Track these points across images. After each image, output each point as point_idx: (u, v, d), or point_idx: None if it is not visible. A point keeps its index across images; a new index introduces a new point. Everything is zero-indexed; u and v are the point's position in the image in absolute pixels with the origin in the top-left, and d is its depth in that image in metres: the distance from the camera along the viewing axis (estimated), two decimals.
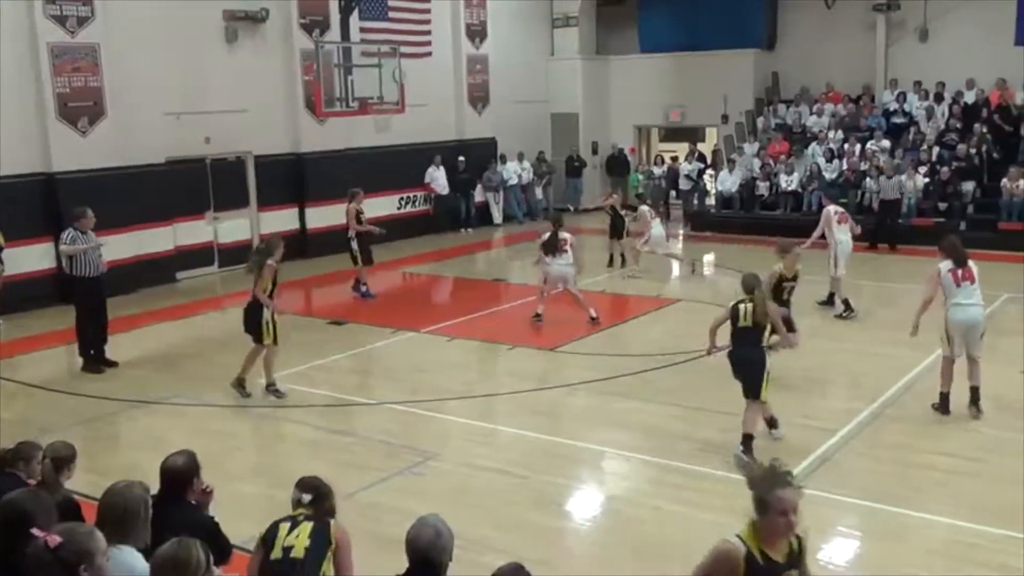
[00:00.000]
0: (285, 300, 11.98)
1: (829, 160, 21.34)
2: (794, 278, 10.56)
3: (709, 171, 23.84)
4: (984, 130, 20.38)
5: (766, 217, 21.28)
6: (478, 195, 23.34)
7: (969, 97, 21.67)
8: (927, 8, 22.61)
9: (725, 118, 24.90)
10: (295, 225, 19.10)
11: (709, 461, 7.95)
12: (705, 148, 25.33)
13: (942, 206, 19.36)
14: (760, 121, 24.14)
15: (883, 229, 18.88)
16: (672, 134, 28.33)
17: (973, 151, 19.91)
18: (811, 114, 23.47)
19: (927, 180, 19.67)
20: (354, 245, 14.86)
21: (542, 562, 5.54)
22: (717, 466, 7.79)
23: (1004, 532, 6.60)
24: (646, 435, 8.78)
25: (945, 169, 19.50)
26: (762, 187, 21.56)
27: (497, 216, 23.71)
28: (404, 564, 3.88)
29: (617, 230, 17.54)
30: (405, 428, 9.24)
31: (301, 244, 18.52)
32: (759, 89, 25.08)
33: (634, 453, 8.36)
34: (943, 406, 9.05)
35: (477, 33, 23.42)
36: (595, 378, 10.49)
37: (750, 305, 8.05)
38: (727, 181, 22.15)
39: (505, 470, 7.98)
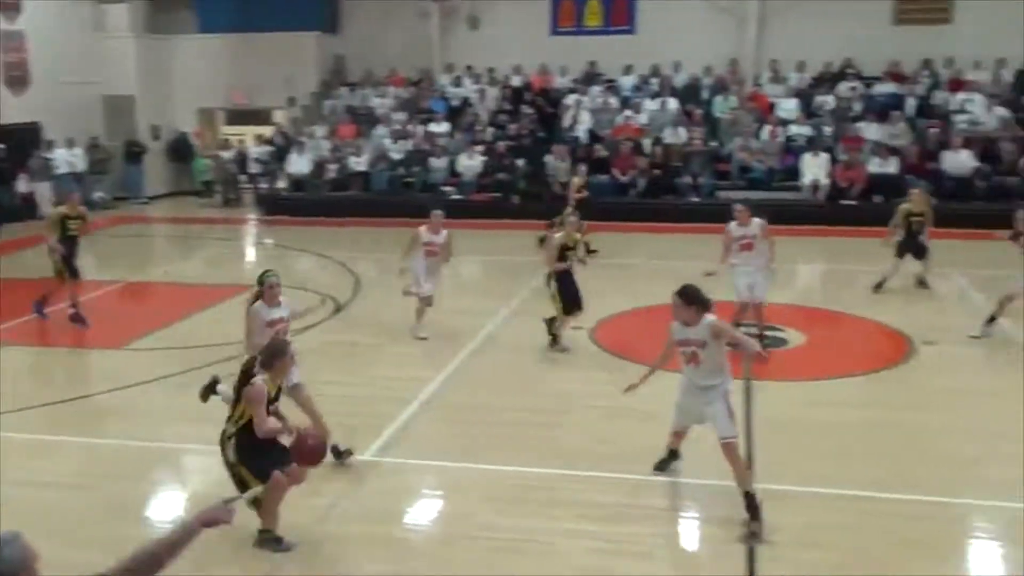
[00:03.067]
0: None
1: (395, 141, 22.11)
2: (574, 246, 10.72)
3: (280, 154, 23.59)
4: (530, 111, 22.34)
5: (337, 197, 21.58)
6: (22, 185, 21.00)
7: (516, 81, 23.60)
8: None
9: (292, 100, 24.78)
10: None
11: None
12: (273, 131, 25.00)
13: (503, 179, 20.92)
14: (327, 104, 24.33)
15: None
16: (239, 117, 27.61)
17: (522, 131, 21.75)
18: (376, 97, 24.13)
19: (484, 158, 21.13)
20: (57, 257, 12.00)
21: None
22: None
23: (580, 473, 7.31)
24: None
25: (501, 144, 21.04)
26: (332, 168, 21.79)
27: (46, 208, 21.50)
28: None
29: None
30: None
31: None
32: (324, 71, 25.28)
33: (215, 446, 8.05)
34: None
35: (10, 5, 20.99)
36: (169, 373, 9.94)
37: None
38: (298, 163, 22.08)
39: (74, 483, 7.29)
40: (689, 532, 6.70)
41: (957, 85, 21.15)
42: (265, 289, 7.31)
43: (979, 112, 20.30)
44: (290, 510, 6.26)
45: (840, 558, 6.00)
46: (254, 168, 23.00)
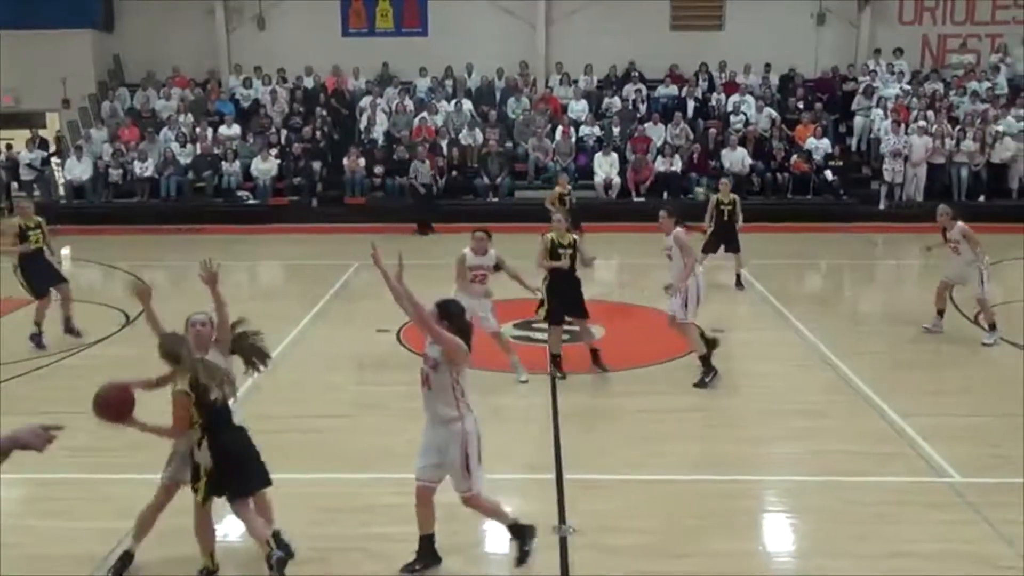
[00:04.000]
0: None
1: (183, 145, 21.18)
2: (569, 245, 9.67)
3: (55, 159, 22.07)
4: (325, 113, 21.97)
5: (123, 205, 20.49)
6: None
7: (308, 83, 23.15)
8: None
9: (67, 102, 23.27)
10: None
11: (86, 466, 7.39)
12: (47, 134, 23.36)
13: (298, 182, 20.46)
14: (106, 106, 23.00)
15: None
16: (7, 120, 25.60)
17: (317, 133, 21.36)
18: (159, 98, 23.03)
19: (279, 162, 20.60)
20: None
21: None
22: (94, 469, 7.29)
23: (370, 475, 7.25)
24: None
25: (297, 147, 20.57)
26: (115, 174, 20.63)
27: None
28: None
29: None
30: None
31: None
32: (101, 72, 23.91)
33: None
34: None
35: None
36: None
37: None
38: (76, 169, 20.75)
39: None
40: (500, 528, 6.78)
41: (731, 88, 22.54)
42: (189, 330, 5.82)
43: (751, 113, 21.72)
44: (84, 533, 5.86)
45: (651, 540, 6.24)
46: (27, 174, 21.38)
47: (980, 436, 8.03)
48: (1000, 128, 20.29)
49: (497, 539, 6.51)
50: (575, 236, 10.00)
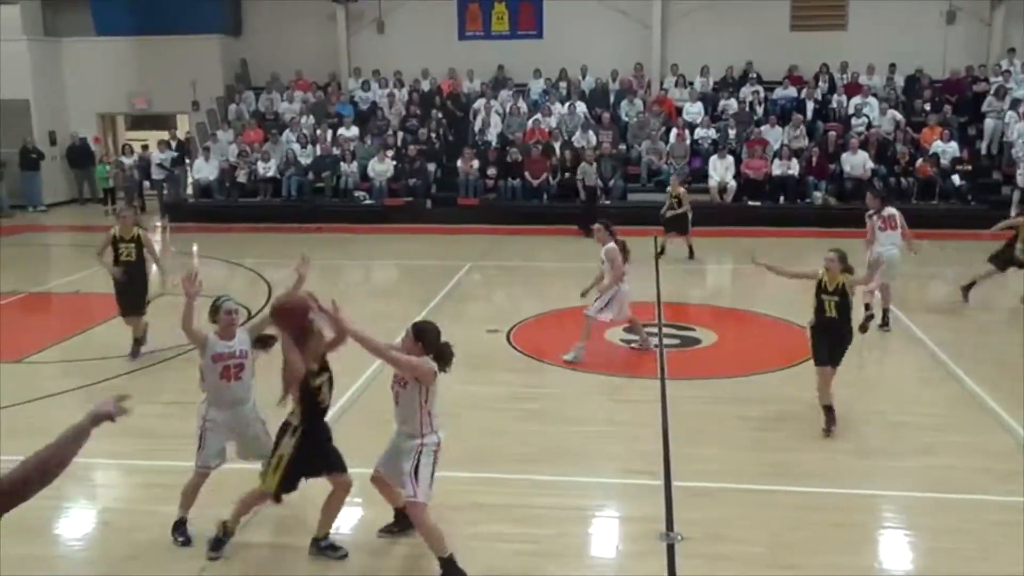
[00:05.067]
0: None
1: (304, 146, 21.82)
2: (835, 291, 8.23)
3: (184, 160, 23.06)
4: (440, 115, 22.31)
5: (246, 204, 21.23)
6: None
7: (424, 85, 23.54)
8: (381, 2, 24.06)
9: (196, 105, 24.27)
10: None
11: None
12: (178, 136, 24.42)
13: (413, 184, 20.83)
14: (232, 108, 23.88)
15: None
16: (142, 122, 26.93)
17: (432, 135, 21.71)
18: (283, 101, 23.79)
19: (395, 163, 21.02)
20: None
21: None
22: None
23: (475, 475, 7.32)
24: (137, 438, 8.25)
25: (412, 148, 20.94)
26: (240, 174, 21.41)
27: None
28: None
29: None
30: None
31: None
32: (228, 75, 24.82)
33: (126, 459, 7.83)
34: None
35: None
36: (76, 386, 9.62)
37: None
38: (204, 169, 21.62)
39: None
40: (609, 531, 6.77)
41: (853, 89, 21.89)
42: (221, 316, 6.22)
43: (874, 115, 21.05)
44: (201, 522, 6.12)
45: (759, 551, 6.14)
46: (157, 174, 22.41)
47: None
48: None
49: (598, 541, 6.50)
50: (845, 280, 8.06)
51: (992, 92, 20.96)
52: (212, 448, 6.28)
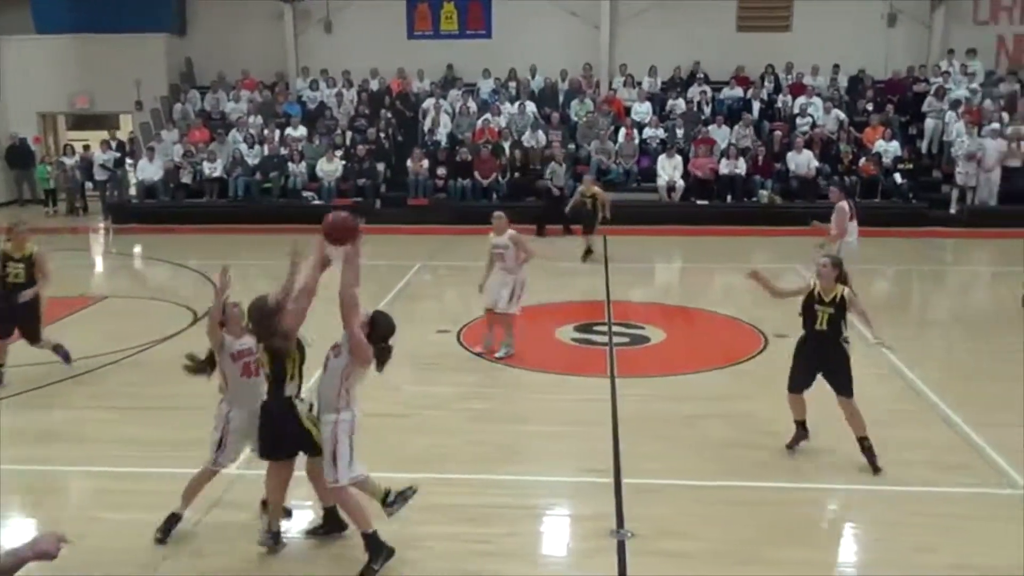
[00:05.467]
0: None
1: (251, 146, 21.57)
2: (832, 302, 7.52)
3: (127, 160, 22.65)
4: (389, 115, 22.21)
5: (192, 205, 20.94)
6: None
7: (373, 85, 23.41)
8: (329, 2, 23.88)
9: (139, 104, 23.88)
10: None
11: (160, 462, 7.57)
12: (121, 136, 24.00)
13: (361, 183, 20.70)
14: (177, 108, 23.52)
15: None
16: (84, 121, 26.40)
17: (382, 135, 21.60)
18: (229, 100, 23.50)
19: (344, 163, 20.87)
20: None
21: None
22: (159, 464, 7.46)
23: (427, 475, 7.30)
24: (83, 444, 8.09)
25: (361, 148, 20.80)
26: (185, 175, 21.10)
27: None
28: None
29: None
30: None
31: None
32: (173, 74, 24.46)
33: (70, 466, 7.66)
34: None
35: None
36: (15, 392, 9.38)
37: None
38: (148, 170, 21.27)
39: None
40: (561, 529, 6.78)
41: (798, 89, 22.21)
42: (228, 312, 6.30)
43: (818, 115, 21.38)
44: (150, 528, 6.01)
45: (710, 547, 6.19)
46: (100, 175, 21.98)
47: None
48: None
49: (550, 540, 6.52)
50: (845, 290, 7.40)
51: (932, 93, 21.41)
52: (232, 450, 6.27)
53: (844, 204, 12.10)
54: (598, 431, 8.15)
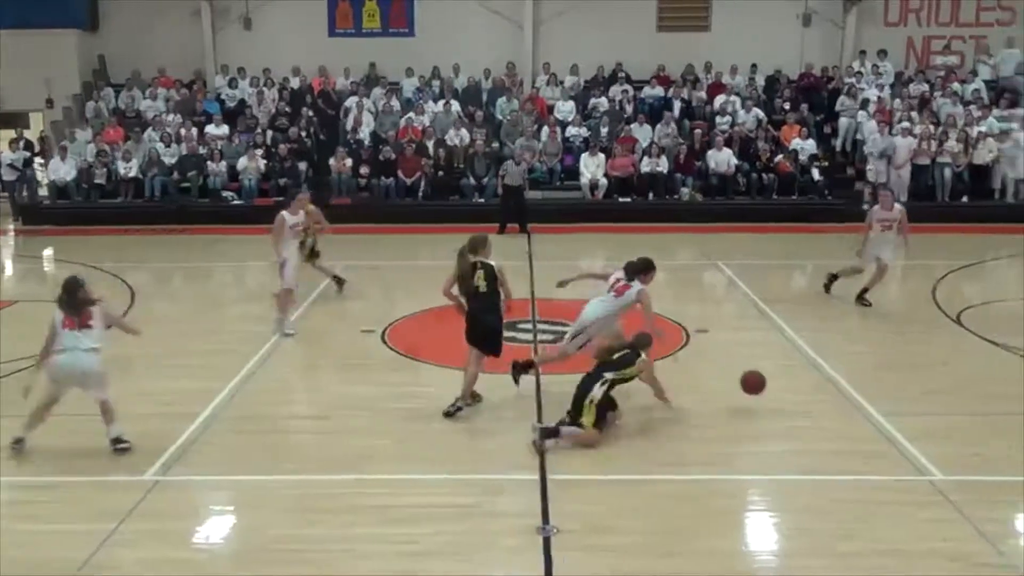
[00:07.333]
0: None
1: (168, 145, 21.09)
2: None
3: (38, 160, 21.92)
4: (311, 114, 21.93)
5: (107, 205, 20.40)
6: None
7: (295, 83, 23.09)
8: None
9: (50, 102, 23.18)
10: None
11: (62, 469, 7.35)
12: (31, 135, 23.20)
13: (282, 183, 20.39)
14: (90, 106, 22.87)
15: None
16: None
17: (303, 133, 21.32)
18: (145, 98, 22.93)
19: (265, 162, 20.54)
20: None
21: None
22: (70, 472, 7.26)
23: (354, 476, 7.23)
24: None
25: (283, 147, 20.50)
26: (99, 175, 20.53)
27: None
28: None
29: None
30: None
31: None
32: (86, 72, 23.78)
33: None
34: None
35: None
36: None
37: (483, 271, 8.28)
38: (60, 170, 20.63)
39: None
40: (487, 527, 6.77)
41: (717, 88, 22.58)
42: None
43: (738, 114, 21.76)
44: (66, 537, 5.84)
45: (636, 540, 6.24)
46: (8, 175, 21.22)
47: (962, 435, 8.06)
48: (982, 129, 20.39)
49: (477, 538, 6.51)
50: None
51: (845, 92, 21.98)
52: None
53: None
54: (524, 427, 8.15)
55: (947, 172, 19.91)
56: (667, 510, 6.69)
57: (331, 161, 20.44)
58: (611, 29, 23.09)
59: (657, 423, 8.33)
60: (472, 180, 20.29)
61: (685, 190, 20.16)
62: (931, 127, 20.45)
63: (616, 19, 23.07)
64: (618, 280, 9.01)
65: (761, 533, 6.65)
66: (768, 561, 6.27)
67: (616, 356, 8.10)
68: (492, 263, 8.47)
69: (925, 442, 7.75)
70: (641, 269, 8.97)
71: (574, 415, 7.79)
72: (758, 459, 7.67)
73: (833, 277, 12.92)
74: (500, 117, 22.19)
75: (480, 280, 8.33)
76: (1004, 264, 15.94)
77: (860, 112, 21.41)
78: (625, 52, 23.19)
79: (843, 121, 21.76)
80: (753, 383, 8.56)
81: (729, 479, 7.30)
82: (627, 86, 22.83)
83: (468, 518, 6.74)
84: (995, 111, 20.97)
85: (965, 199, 20.04)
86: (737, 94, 22.28)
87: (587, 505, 6.74)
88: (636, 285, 8.86)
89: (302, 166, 20.64)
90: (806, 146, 20.69)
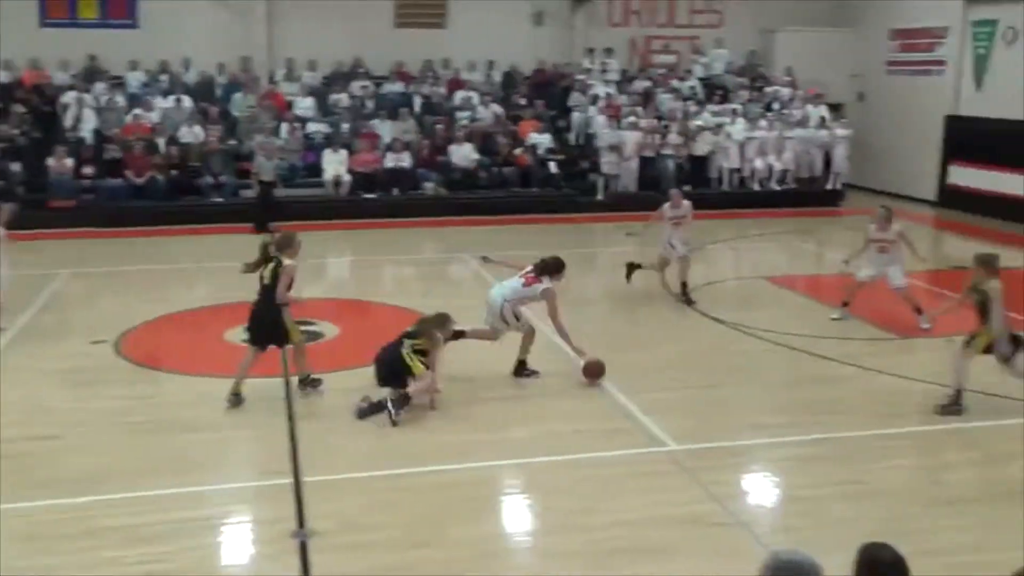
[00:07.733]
0: None
1: None
2: None
3: None
4: (23, 110, 20.20)
5: None
6: None
7: (3, 77, 21.17)
8: None
9: None
10: None
11: None
12: None
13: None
14: None
15: None
16: None
17: (15, 131, 19.60)
18: None
19: None
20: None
21: None
22: None
23: (89, 498, 6.79)
24: None
25: None
26: None
27: None
28: None
29: None
30: None
31: None
32: None
33: None
34: None
35: None
36: None
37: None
38: None
39: None
40: (241, 536, 6.57)
41: (456, 85, 22.99)
42: None
43: (476, 109, 22.27)
44: None
45: (392, 534, 6.28)
46: None
47: (692, 406, 8.74)
48: (699, 123, 22.06)
49: (230, 549, 6.31)
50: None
51: (576, 88, 23.05)
52: None
53: None
54: (275, 432, 7.98)
55: (671, 163, 21.37)
56: (419, 502, 6.78)
57: (49, 161, 18.91)
58: (348, 25, 22.87)
59: (409, 417, 8.38)
60: (209, 179, 19.47)
61: (429, 185, 20.38)
62: (656, 121, 21.86)
63: (353, 15, 22.87)
64: (529, 272, 9.51)
65: (509, 515, 6.90)
66: (519, 541, 6.53)
67: (415, 328, 8.66)
68: (287, 261, 8.64)
69: (660, 415, 8.33)
70: (553, 269, 9.49)
71: (397, 378, 8.32)
72: (505, 445, 7.92)
73: (635, 267, 13.31)
74: (236, 113, 21.44)
75: (266, 273, 8.63)
76: (721, 247, 17.35)
77: (591, 107, 22.53)
78: (363, 47, 23.08)
79: (576, 116, 22.80)
80: (593, 371, 9.16)
81: (478, 467, 7.48)
82: (367, 82, 22.74)
83: (221, 529, 6.52)
84: (709, 106, 22.75)
85: (687, 188, 21.57)
86: (475, 90, 22.79)
87: (343, 505, 6.70)
88: (545, 282, 9.34)
89: (15, 167, 18.96)
90: (543, 140, 21.50)
